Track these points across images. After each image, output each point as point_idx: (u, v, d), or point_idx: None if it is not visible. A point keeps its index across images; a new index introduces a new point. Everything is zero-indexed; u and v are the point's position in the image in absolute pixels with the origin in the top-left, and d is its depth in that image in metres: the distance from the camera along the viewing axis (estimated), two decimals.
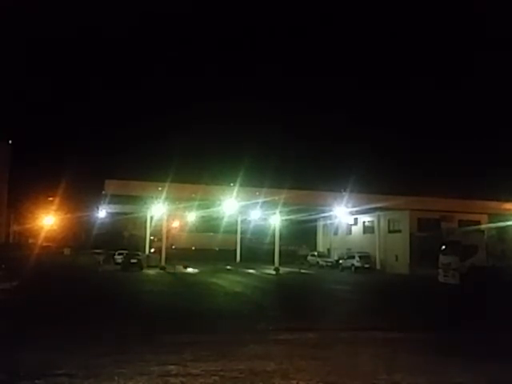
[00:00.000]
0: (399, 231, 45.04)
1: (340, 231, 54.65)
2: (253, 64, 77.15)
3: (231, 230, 57.07)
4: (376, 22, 70.99)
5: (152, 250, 47.50)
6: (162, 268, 38.73)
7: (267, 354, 9.50)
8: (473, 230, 38.04)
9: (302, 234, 60.53)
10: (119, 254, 42.81)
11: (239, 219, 53.91)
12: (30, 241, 61.67)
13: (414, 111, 75.37)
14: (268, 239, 50.49)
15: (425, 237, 40.02)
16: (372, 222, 49.17)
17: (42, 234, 57.49)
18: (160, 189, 37.93)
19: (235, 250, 56.39)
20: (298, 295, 23.90)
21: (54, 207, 55.76)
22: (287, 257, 49.55)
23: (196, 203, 42.81)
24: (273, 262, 42.81)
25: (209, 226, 58.52)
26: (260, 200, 39.88)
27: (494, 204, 42.94)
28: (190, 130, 69.81)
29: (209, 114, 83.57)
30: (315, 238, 60.64)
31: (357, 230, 52.35)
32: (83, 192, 53.53)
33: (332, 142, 67.77)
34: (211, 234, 59.88)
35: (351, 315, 16.40)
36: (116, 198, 40.56)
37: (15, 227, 61.71)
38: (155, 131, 76.71)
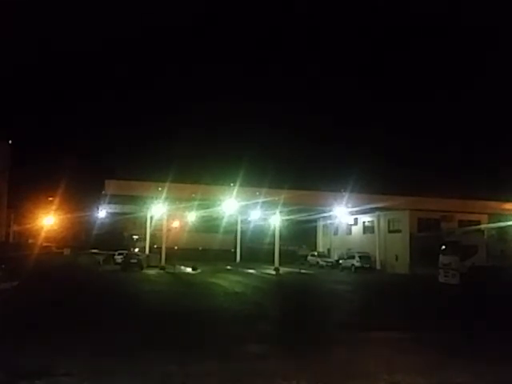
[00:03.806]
0: (399, 231, 45.03)
1: (340, 231, 54.65)
2: (253, 64, 77.18)
3: (231, 230, 57.03)
4: (374, 22, 71.03)
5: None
6: (162, 268, 38.72)
7: (267, 354, 9.50)
8: (473, 229, 38.06)
9: (301, 234, 60.51)
10: (119, 254, 42.78)
11: (239, 219, 53.89)
12: (30, 241, 61.55)
13: (414, 111, 75.36)
14: (268, 239, 50.45)
15: (425, 237, 40.01)
16: (372, 221, 49.17)
17: (42, 234, 57.37)
18: (160, 189, 37.92)
19: (235, 250, 56.38)
20: (298, 295, 23.89)
21: (53, 207, 55.66)
22: (287, 257, 49.53)
23: (196, 203, 42.79)
24: (273, 262, 42.80)
25: (209, 225, 58.43)
26: (260, 200, 39.87)
27: (494, 204, 42.96)
28: (190, 130, 69.71)
29: (209, 114, 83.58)
30: (315, 238, 60.65)
31: (357, 230, 52.36)
32: (83, 192, 53.49)
33: (332, 142, 67.71)
34: (211, 234, 59.81)
35: (351, 315, 16.41)
36: (116, 198, 40.54)
37: (15, 227, 61.58)
38: (155, 131, 76.68)
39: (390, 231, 46.51)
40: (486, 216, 43.01)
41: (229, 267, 42.86)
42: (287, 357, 9.33)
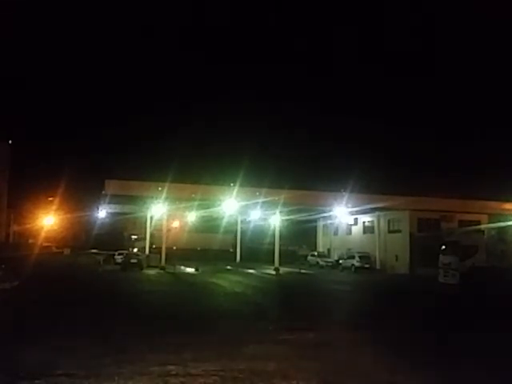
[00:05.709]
0: (399, 231, 45.02)
1: (340, 231, 54.64)
2: (253, 64, 77.23)
3: (231, 230, 57.01)
4: (372, 20, 71.03)
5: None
6: (162, 268, 38.69)
7: (267, 354, 9.49)
8: (473, 229, 38.11)
9: (301, 234, 60.51)
10: (119, 254, 42.77)
11: (239, 219, 53.87)
12: (30, 241, 61.58)
13: (414, 111, 75.41)
14: (268, 239, 50.44)
15: (425, 237, 40.01)
16: (372, 222, 49.15)
17: (42, 234, 57.41)
18: (160, 189, 37.91)
19: (235, 250, 56.34)
20: (298, 295, 23.88)
21: (53, 207, 55.73)
22: (287, 257, 49.50)
23: (196, 203, 42.78)
24: (273, 262, 42.77)
25: (209, 226, 58.44)
26: (260, 200, 39.86)
27: (493, 204, 42.95)
28: (190, 129, 69.80)
29: (209, 114, 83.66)
30: (315, 238, 60.62)
31: (357, 230, 52.34)
32: (83, 192, 53.60)
33: (332, 142, 67.84)
34: (211, 234, 59.79)
35: (351, 315, 16.40)
36: (116, 198, 40.52)
37: (15, 227, 61.62)
38: (155, 131, 76.83)
39: (389, 231, 46.50)
40: (486, 216, 43.02)
41: (229, 267, 42.83)
42: (287, 357, 9.32)
